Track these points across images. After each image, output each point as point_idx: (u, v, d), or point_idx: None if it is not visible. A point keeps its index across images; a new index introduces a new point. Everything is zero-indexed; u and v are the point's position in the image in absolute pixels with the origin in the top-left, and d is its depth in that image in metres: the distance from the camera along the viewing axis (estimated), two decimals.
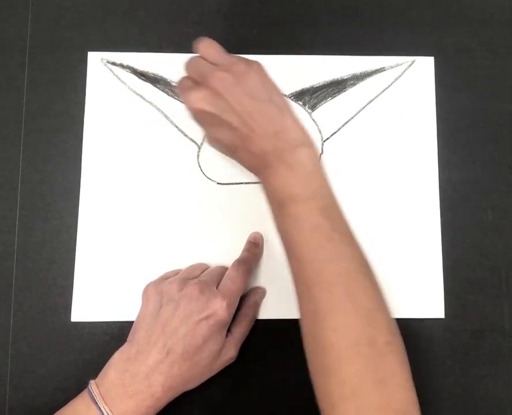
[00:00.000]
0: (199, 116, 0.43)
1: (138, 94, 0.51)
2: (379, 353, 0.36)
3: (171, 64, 0.51)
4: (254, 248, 0.48)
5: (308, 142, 0.42)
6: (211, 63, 0.43)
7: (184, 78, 0.45)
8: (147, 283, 0.45)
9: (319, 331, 0.37)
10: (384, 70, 0.52)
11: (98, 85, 0.51)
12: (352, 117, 0.51)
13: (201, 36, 0.51)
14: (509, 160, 0.51)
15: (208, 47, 0.44)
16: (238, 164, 0.49)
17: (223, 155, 0.47)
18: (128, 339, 0.43)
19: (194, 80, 0.44)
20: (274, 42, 0.52)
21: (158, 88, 0.51)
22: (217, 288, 0.43)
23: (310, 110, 0.51)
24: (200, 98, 0.41)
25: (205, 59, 0.43)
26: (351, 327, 0.36)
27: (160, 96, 0.51)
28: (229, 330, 0.44)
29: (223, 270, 0.46)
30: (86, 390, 0.41)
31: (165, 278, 0.46)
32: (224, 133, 0.42)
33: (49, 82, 0.51)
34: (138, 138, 0.50)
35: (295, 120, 0.42)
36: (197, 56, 0.44)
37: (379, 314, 0.38)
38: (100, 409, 0.39)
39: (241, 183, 0.50)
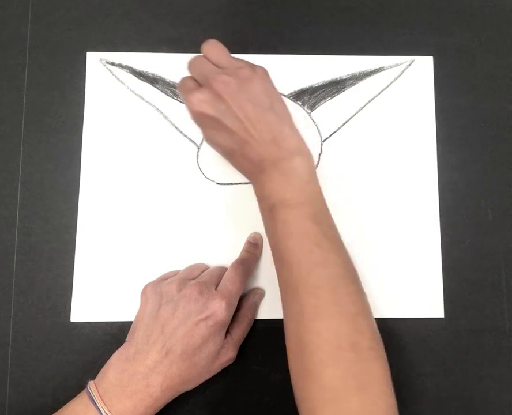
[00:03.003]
0: (199, 118, 0.43)
1: (137, 94, 0.51)
2: (362, 358, 0.36)
3: (170, 65, 0.51)
4: (253, 249, 0.48)
5: (304, 151, 0.42)
6: (215, 65, 0.43)
7: (186, 78, 0.44)
8: (146, 283, 0.45)
9: (303, 333, 0.38)
10: (384, 70, 0.52)
11: (97, 85, 0.51)
12: (351, 117, 0.51)
13: (201, 36, 0.52)
14: (509, 160, 0.51)
15: (213, 48, 0.44)
16: None
17: (223, 155, 0.47)
18: (126, 339, 0.43)
19: (196, 81, 0.43)
20: (274, 42, 0.52)
21: (157, 88, 0.51)
22: (216, 289, 0.43)
23: (309, 110, 0.51)
24: (202, 101, 0.41)
25: (209, 60, 0.43)
26: (335, 331, 0.37)
27: (159, 96, 0.51)
28: (228, 331, 0.44)
29: (222, 270, 0.46)
30: (84, 390, 0.41)
31: (164, 278, 0.46)
32: (222, 137, 0.42)
33: (49, 82, 0.51)
34: (137, 138, 0.50)
35: (293, 128, 0.43)
36: (201, 56, 0.44)
37: (363, 320, 0.38)
38: (99, 409, 0.39)
39: (241, 183, 0.50)
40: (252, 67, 0.43)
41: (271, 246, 0.42)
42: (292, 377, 0.39)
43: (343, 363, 0.36)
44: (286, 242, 0.40)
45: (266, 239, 0.49)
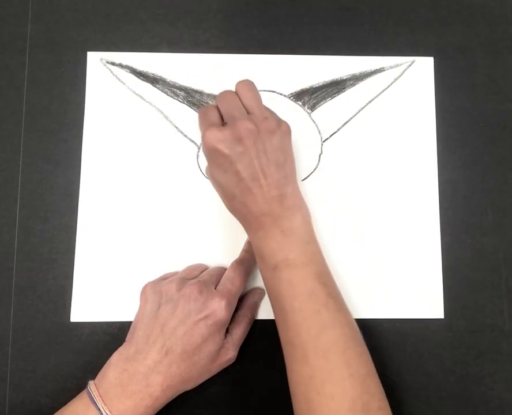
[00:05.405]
0: (211, 153, 0.42)
1: (137, 94, 0.51)
2: None
3: (170, 64, 0.51)
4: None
5: (303, 208, 0.43)
6: (244, 106, 0.43)
7: (210, 109, 0.44)
8: (146, 283, 0.45)
9: (314, 397, 0.38)
10: (384, 70, 0.52)
11: (98, 85, 0.51)
12: (352, 118, 0.51)
13: (201, 36, 0.52)
14: (509, 160, 0.51)
15: (247, 91, 0.44)
16: None
17: (220, 195, 0.47)
18: (126, 339, 0.43)
19: (218, 113, 0.44)
20: (274, 42, 0.52)
21: (158, 88, 0.51)
22: (215, 288, 0.43)
23: (309, 111, 0.51)
24: (221, 139, 0.41)
25: (240, 99, 0.44)
26: (347, 393, 0.37)
27: (159, 96, 0.51)
28: (228, 331, 0.44)
29: (222, 270, 0.46)
30: (85, 390, 0.41)
31: (163, 278, 0.46)
32: (229, 178, 0.41)
33: (49, 82, 0.51)
34: (137, 138, 0.50)
35: (296, 188, 0.43)
36: (233, 93, 0.44)
37: (372, 380, 0.39)
38: (99, 409, 0.39)
39: None
40: (278, 121, 0.43)
41: (274, 307, 0.42)
42: None
43: None
44: (293, 303, 0.40)
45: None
